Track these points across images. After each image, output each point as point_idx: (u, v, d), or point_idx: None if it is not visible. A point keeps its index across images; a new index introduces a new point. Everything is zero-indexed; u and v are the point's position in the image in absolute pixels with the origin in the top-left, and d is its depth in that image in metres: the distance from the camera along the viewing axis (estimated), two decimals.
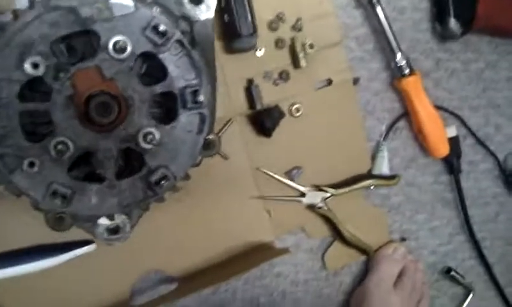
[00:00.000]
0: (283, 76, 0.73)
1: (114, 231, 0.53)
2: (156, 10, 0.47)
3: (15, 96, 0.44)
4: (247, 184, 0.74)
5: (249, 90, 0.71)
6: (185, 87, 0.48)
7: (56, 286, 0.68)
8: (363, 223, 0.79)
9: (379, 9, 0.74)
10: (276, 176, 0.75)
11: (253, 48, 0.70)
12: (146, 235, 0.69)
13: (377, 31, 0.76)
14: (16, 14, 0.44)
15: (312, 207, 0.77)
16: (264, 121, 0.71)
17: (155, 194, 0.49)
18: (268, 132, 0.72)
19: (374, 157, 0.80)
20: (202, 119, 0.49)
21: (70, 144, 0.45)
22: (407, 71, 0.76)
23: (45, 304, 0.69)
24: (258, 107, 0.72)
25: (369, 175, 0.79)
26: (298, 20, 0.72)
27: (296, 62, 0.72)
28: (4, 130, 0.44)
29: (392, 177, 0.80)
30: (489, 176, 0.85)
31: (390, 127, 0.80)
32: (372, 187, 0.79)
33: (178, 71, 0.48)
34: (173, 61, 0.48)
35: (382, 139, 0.80)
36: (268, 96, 0.72)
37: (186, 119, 0.49)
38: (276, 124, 0.72)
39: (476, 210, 0.85)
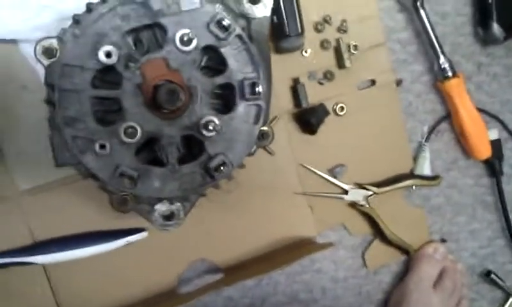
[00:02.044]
0: (328, 76, 0.75)
1: (168, 217, 0.55)
2: (219, 7, 0.49)
3: (88, 83, 0.47)
4: (291, 180, 0.76)
5: (295, 89, 0.74)
6: (244, 79, 0.51)
7: (106, 272, 0.72)
8: (404, 223, 0.80)
9: (422, 13, 0.75)
10: (319, 172, 0.77)
11: (300, 48, 0.73)
12: (195, 224, 0.72)
13: (420, 34, 0.78)
14: (90, 7, 0.48)
15: (353, 205, 0.78)
16: (309, 118, 0.73)
17: (212, 179, 0.52)
18: (313, 129, 0.74)
19: (416, 158, 0.81)
20: (258, 110, 0.52)
21: (138, 129, 0.48)
22: (450, 73, 0.77)
23: (95, 289, 0.72)
24: (304, 105, 0.74)
25: (411, 175, 0.80)
26: (343, 22, 0.74)
27: (340, 63, 0.74)
28: (76, 114, 0.48)
29: (433, 178, 0.81)
30: None
31: (432, 129, 0.81)
32: (413, 187, 0.80)
33: (237, 64, 0.51)
34: (233, 55, 0.50)
35: (424, 140, 0.81)
36: (313, 95, 0.74)
37: (244, 109, 0.52)
38: (321, 122, 0.74)
39: None
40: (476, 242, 0.84)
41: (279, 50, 0.72)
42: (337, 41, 0.74)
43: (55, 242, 0.71)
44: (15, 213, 0.68)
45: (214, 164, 0.51)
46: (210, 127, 0.50)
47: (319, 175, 0.77)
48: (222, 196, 0.72)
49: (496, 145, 0.81)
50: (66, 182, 0.69)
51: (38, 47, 0.47)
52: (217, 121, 0.50)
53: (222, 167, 0.51)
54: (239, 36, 0.50)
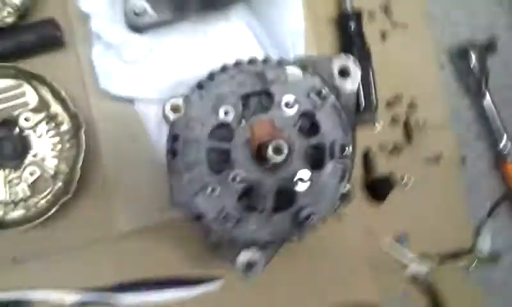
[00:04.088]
0: (397, 149, 0.82)
1: (250, 266, 0.62)
2: (317, 79, 0.59)
3: (206, 135, 0.57)
4: (357, 245, 0.81)
5: (367, 158, 0.81)
6: (334, 141, 0.59)
7: None
8: (461, 300, 0.82)
9: (487, 97, 0.83)
10: (384, 240, 0.81)
11: (374, 122, 0.81)
12: (263, 281, 0.77)
13: (484, 116, 0.84)
14: (212, 75, 0.58)
15: (415, 275, 0.82)
16: (378, 187, 0.80)
17: (300, 228, 0.58)
18: (381, 197, 0.80)
19: (477, 235, 0.84)
20: (344, 170, 0.59)
21: (244, 177, 0.56)
22: (511, 156, 0.82)
23: None
24: (373, 174, 0.81)
25: (472, 252, 0.83)
26: (413, 100, 0.82)
27: (408, 138, 0.82)
28: (194, 161, 0.57)
29: (493, 257, 0.84)
30: None
31: (493, 208, 0.85)
32: (474, 264, 0.83)
33: (329, 128, 0.59)
34: (326, 120, 0.59)
35: (486, 217, 0.85)
36: (382, 165, 0.81)
37: (332, 168, 0.59)
38: (389, 191, 0.80)
39: None
40: None
41: (354, 122, 0.80)
42: (407, 117, 0.82)
43: (140, 284, 0.77)
44: (109, 254, 0.76)
45: (303, 214, 0.58)
46: (304, 181, 0.57)
47: (384, 242, 0.81)
48: (290, 252, 0.77)
49: None
50: (156, 229, 0.77)
51: (167, 105, 0.57)
52: (309, 176, 0.57)
53: (310, 217, 0.58)
54: (333, 105, 0.59)
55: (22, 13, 0.70)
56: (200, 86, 0.58)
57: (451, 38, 0.85)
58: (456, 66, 0.85)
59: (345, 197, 0.62)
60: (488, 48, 0.83)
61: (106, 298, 0.75)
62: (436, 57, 0.83)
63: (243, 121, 0.57)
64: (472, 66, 0.82)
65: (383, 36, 0.82)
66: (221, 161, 0.59)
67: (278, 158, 0.54)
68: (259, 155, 0.56)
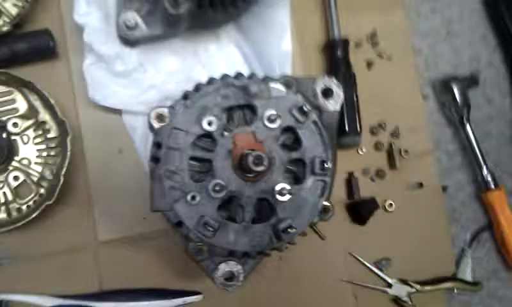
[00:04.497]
0: (380, 174, 0.83)
1: (230, 278, 0.62)
2: (300, 97, 0.61)
3: (189, 145, 0.58)
4: (338, 266, 0.82)
5: (350, 181, 0.82)
6: (315, 157, 0.60)
7: None
8: None
9: (468, 128, 0.85)
10: (366, 263, 0.82)
11: (357, 146, 0.82)
12: (243, 297, 0.77)
13: (466, 147, 0.86)
14: (198, 87, 0.60)
15: (396, 299, 0.82)
16: (360, 209, 0.81)
17: (278, 240, 0.59)
18: (363, 220, 0.81)
19: (458, 263, 0.85)
20: (324, 186, 0.60)
21: (224, 186, 0.57)
22: (492, 185, 0.84)
23: None
24: (356, 197, 0.82)
25: (453, 278, 0.84)
26: (396, 129, 0.84)
27: (391, 164, 0.83)
28: (176, 169, 0.57)
29: (475, 284, 0.84)
30: None
31: (474, 236, 0.87)
32: (455, 291, 0.83)
33: (310, 144, 0.60)
34: (307, 136, 0.60)
35: (467, 246, 0.86)
36: (365, 189, 0.82)
37: (312, 183, 0.60)
38: (371, 214, 0.81)
39: None
40: None
41: (338, 146, 0.81)
42: (390, 144, 0.84)
43: (119, 293, 0.77)
44: (89, 262, 0.76)
45: (282, 226, 0.58)
46: (283, 193, 0.58)
47: (365, 266, 0.82)
48: (273, 271, 0.78)
49: None
50: (137, 239, 0.77)
51: (152, 113, 0.58)
52: (288, 189, 0.58)
53: (289, 230, 0.58)
54: (314, 122, 0.60)
55: (18, 22, 0.72)
56: (185, 96, 0.60)
57: (435, 71, 0.88)
58: (439, 98, 0.88)
59: (323, 213, 0.62)
60: (470, 81, 0.86)
61: (85, 305, 0.75)
62: (419, 88, 0.86)
63: (225, 133, 0.58)
64: (454, 98, 0.85)
65: (369, 65, 0.84)
66: (202, 170, 0.59)
67: (258, 169, 0.55)
68: (240, 165, 0.57)
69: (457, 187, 0.87)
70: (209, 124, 0.58)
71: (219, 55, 0.77)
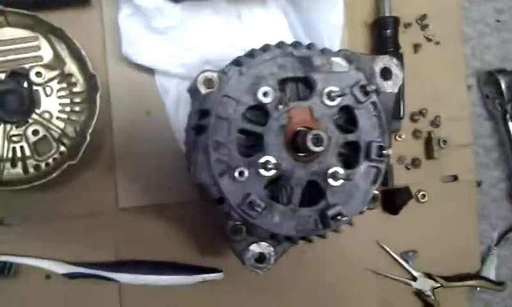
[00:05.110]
0: (416, 163, 0.80)
1: (260, 260, 0.58)
2: (361, 75, 0.56)
3: (239, 115, 0.53)
4: (363, 254, 0.79)
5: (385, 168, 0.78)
6: (371, 142, 0.55)
7: (177, 304, 0.73)
8: None
9: (510, 124, 0.81)
10: (393, 253, 0.79)
11: (397, 131, 0.78)
12: (267, 280, 0.74)
13: (504, 143, 0.83)
14: (252, 53, 0.55)
15: (419, 293, 0.79)
16: (393, 198, 0.77)
17: (325, 227, 0.55)
18: (396, 209, 0.78)
19: (483, 260, 0.83)
20: (377, 173, 0.56)
21: (274, 164, 0.52)
22: None
23: None
24: (390, 185, 0.78)
25: (478, 276, 0.82)
26: (437, 117, 0.80)
27: (428, 154, 0.80)
28: (224, 140, 0.53)
29: (499, 283, 0.82)
30: None
31: (503, 235, 0.84)
32: (478, 288, 0.81)
33: (367, 127, 0.56)
34: (365, 118, 0.56)
35: (494, 244, 0.83)
36: (399, 177, 0.79)
37: (365, 169, 0.56)
38: (404, 204, 0.78)
39: None
40: None
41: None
42: (429, 133, 0.80)
43: (137, 264, 0.73)
44: (108, 229, 0.71)
45: (331, 212, 0.54)
46: (335, 177, 0.54)
47: (392, 256, 0.79)
48: (297, 253, 0.74)
49: None
50: (159, 209, 0.73)
51: (200, 77, 0.53)
52: (341, 174, 0.54)
53: (338, 217, 0.54)
54: (373, 103, 0.56)
55: None
56: (238, 62, 0.55)
57: (481, 61, 0.84)
58: (482, 90, 0.84)
59: (371, 202, 0.58)
60: None
61: (101, 274, 0.71)
62: (465, 78, 0.81)
63: (280, 106, 0.53)
64: (499, 91, 0.81)
65: (416, 47, 0.80)
66: (249, 147, 0.55)
67: (317, 149, 0.50)
68: (293, 143, 0.53)
69: (491, 184, 0.84)
70: (265, 95, 0.53)
71: (263, 21, 0.71)
